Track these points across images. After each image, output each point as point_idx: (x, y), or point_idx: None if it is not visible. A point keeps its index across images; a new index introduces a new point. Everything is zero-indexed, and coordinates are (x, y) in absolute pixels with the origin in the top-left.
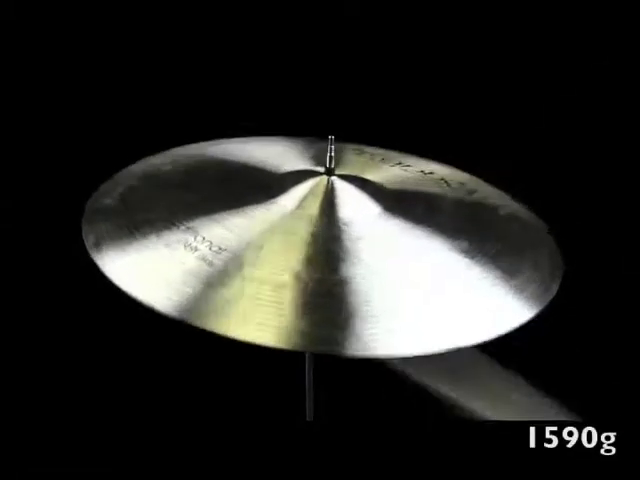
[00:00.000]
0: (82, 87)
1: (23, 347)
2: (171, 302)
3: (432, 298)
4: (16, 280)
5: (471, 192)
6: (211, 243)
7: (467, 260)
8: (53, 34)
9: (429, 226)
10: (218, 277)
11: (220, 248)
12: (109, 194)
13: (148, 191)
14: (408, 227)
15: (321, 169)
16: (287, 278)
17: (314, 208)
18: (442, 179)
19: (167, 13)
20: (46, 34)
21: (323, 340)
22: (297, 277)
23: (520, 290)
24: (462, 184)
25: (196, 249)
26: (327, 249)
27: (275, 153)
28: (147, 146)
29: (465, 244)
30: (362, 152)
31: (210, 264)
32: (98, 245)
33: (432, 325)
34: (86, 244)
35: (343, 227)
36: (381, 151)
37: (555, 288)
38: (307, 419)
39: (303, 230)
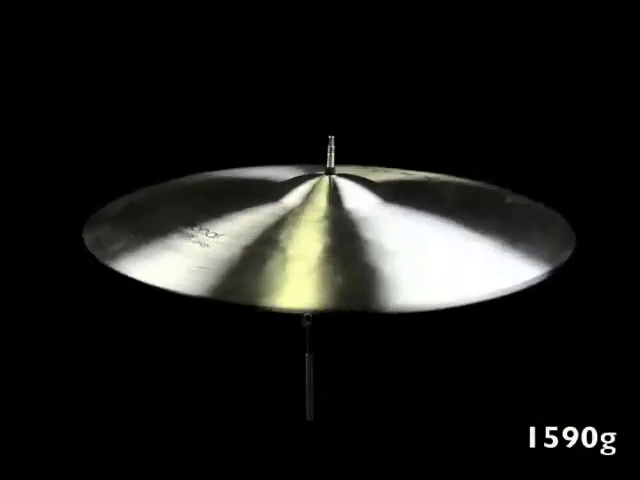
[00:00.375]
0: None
1: (24, 346)
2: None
3: (443, 259)
4: (22, 282)
5: (476, 189)
6: (207, 231)
7: (470, 231)
8: (65, 36)
9: (428, 211)
10: (239, 257)
11: (216, 234)
12: (113, 207)
13: (154, 201)
14: (409, 212)
15: (321, 172)
16: (307, 250)
17: (321, 201)
18: (446, 182)
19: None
20: (57, 35)
21: (355, 296)
22: (317, 249)
23: (527, 253)
24: (467, 185)
25: (192, 236)
26: (342, 226)
27: (277, 172)
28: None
29: (466, 221)
30: (365, 167)
31: (205, 246)
32: (100, 243)
33: (448, 281)
34: (86, 242)
35: (352, 212)
36: (386, 168)
37: (566, 255)
38: (307, 419)
39: (314, 215)
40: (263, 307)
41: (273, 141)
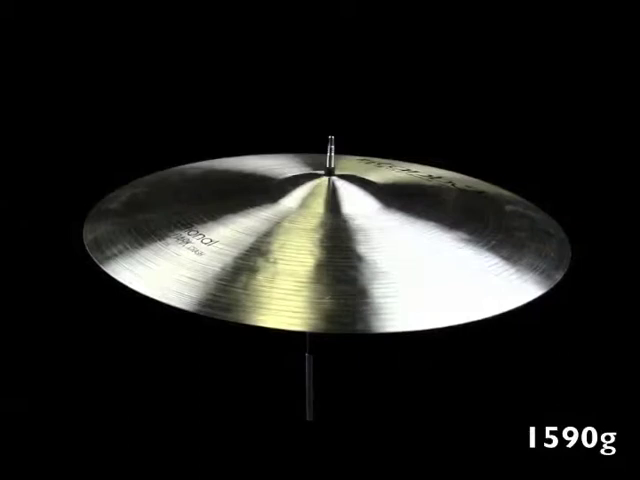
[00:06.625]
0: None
1: (24, 346)
2: (186, 298)
3: (437, 278)
4: (19, 281)
5: (479, 193)
6: (203, 236)
7: (468, 248)
8: (62, 32)
9: (428, 220)
10: (230, 269)
11: (212, 240)
12: (115, 199)
13: (156, 195)
14: (408, 221)
15: (321, 171)
16: (298, 265)
17: (318, 205)
18: (450, 182)
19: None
20: (54, 33)
21: (343, 320)
22: (308, 264)
23: (521, 275)
24: (469, 186)
25: (188, 241)
26: (336, 238)
27: (277, 164)
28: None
29: (465, 235)
30: (369, 161)
31: (200, 254)
32: (98, 244)
33: (440, 302)
34: (85, 243)
35: (348, 220)
36: (390, 160)
37: (559, 276)
38: (307, 419)
39: (310, 223)
40: (249, 325)
41: (278, 127)
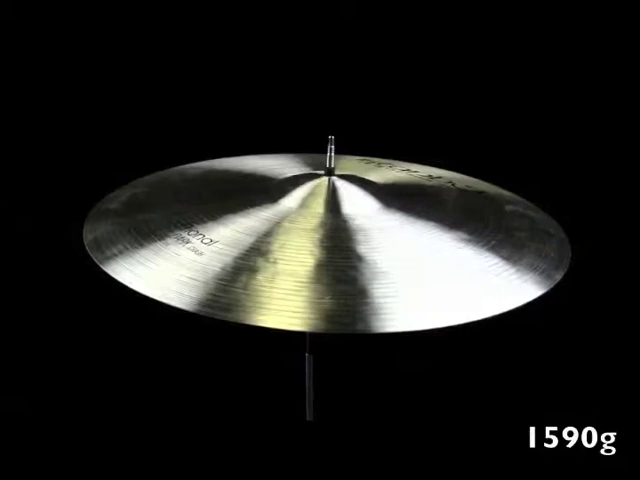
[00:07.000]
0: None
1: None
2: (186, 298)
3: (437, 278)
4: (20, 283)
5: (479, 193)
6: (203, 236)
7: (468, 248)
8: (62, 32)
9: (428, 220)
10: (230, 269)
11: (212, 240)
12: (115, 199)
13: (156, 195)
14: (408, 221)
15: (321, 171)
16: (298, 265)
17: (318, 205)
18: (450, 182)
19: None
20: (55, 33)
21: (343, 320)
22: (308, 263)
23: (521, 275)
24: (469, 186)
25: (188, 241)
26: (336, 238)
27: (277, 164)
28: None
29: (465, 235)
30: (369, 161)
31: (200, 254)
32: (98, 244)
33: (440, 301)
34: (85, 243)
35: (348, 220)
36: (390, 160)
37: (559, 276)
38: (307, 419)
39: (310, 223)
40: (249, 325)
41: (278, 127)
